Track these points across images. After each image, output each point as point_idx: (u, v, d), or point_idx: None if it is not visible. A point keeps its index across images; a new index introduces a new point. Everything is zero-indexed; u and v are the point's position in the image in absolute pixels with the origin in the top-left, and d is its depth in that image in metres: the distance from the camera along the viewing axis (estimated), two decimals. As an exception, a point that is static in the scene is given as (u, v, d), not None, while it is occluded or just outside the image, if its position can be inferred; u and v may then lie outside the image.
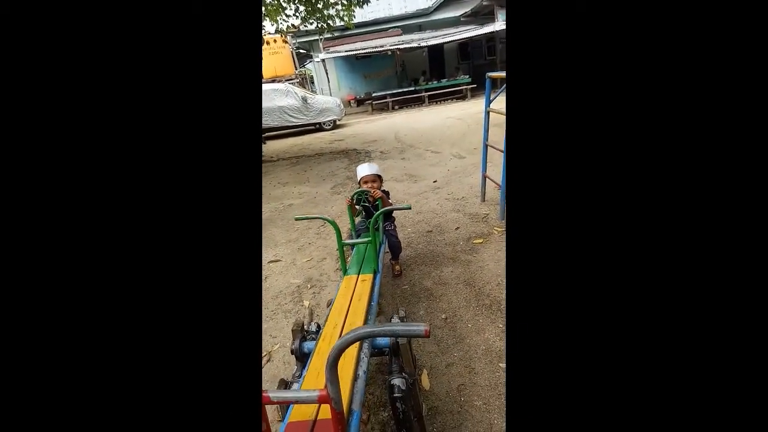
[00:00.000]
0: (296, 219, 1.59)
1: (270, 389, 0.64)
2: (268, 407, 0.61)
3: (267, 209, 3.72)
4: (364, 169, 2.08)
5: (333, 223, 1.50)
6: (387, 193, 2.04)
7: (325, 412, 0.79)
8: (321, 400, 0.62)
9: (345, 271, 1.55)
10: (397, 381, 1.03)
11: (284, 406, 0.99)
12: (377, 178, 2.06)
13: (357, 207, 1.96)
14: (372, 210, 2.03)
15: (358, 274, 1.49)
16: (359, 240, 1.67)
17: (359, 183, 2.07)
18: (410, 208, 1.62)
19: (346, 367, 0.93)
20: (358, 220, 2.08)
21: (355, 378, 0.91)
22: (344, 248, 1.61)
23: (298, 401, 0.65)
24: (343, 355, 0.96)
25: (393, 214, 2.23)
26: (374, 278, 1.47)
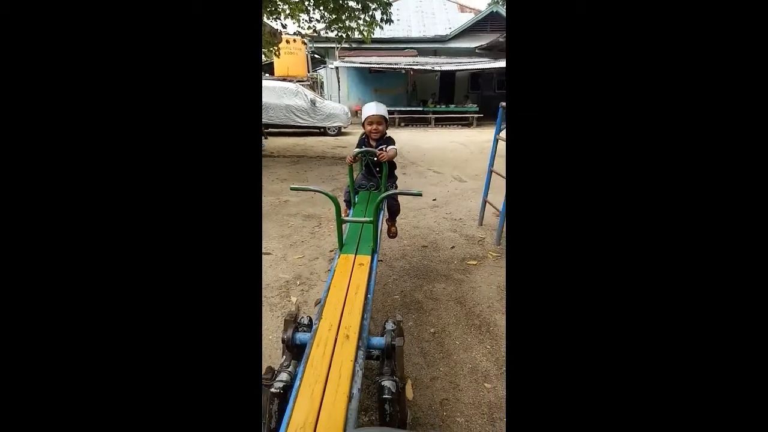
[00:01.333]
0: (292, 188, 1.46)
1: None
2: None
3: (264, 203, 3.68)
4: (370, 108, 1.83)
5: (333, 199, 1.41)
6: (391, 140, 1.84)
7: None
8: None
9: (341, 248, 1.50)
10: (387, 383, 1.01)
11: (274, 405, 0.96)
12: (383, 121, 1.83)
13: (359, 156, 1.78)
14: (373, 167, 1.88)
15: (356, 255, 1.45)
16: (359, 219, 1.60)
17: (363, 124, 1.87)
18: (421, 195, 1.51)
19: (342, 386, 0.89)
20: (358, 176, 1.98)
21: (350, 398, 0.87)
22: (341, 225, 1.53)
23: None
24: (338, 372, 0.93)
25: (396, 173, 2.03)
26: (372, 261, 1.43)
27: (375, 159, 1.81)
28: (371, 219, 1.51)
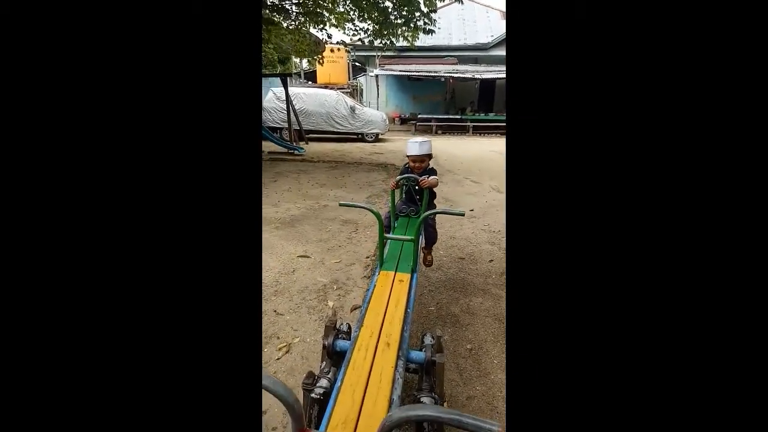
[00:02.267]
0: (340, 205, 1.57)
1: (313, 430, 0.62)
2: (294, 412, 0.59)
3: (303, 206, 3.79)
4: (414, 148, 1.88)
5: (377, 215, 1.48)
6: (434, 172, 1.90)
7: None
8: None
9: (381, 265, 1.52)
10: (426, 399, 1.00)
11: (313, 411, 0.98)
12: (426, 158, 1.90)
13: (402, 182, 1.86)
14: (414, 193, 1.94)
15: (395, 272, 1.46)
16: (401, 237, 1.63)
17: (407, 157, 1.94)
18: (464, 215, 1.54)
19: (383, 390, 0.90)
20: (398, 202, 2.03)
21: (390, 403, 0.87)
22: (383, 242, 1.57)
23: None
24: (378, 377, 0.94)
25: (434, 201, 2.08)
26: (411, 279, 1.44)
27: (416, 186, 1.90)
28: (412, 237, 1.53)
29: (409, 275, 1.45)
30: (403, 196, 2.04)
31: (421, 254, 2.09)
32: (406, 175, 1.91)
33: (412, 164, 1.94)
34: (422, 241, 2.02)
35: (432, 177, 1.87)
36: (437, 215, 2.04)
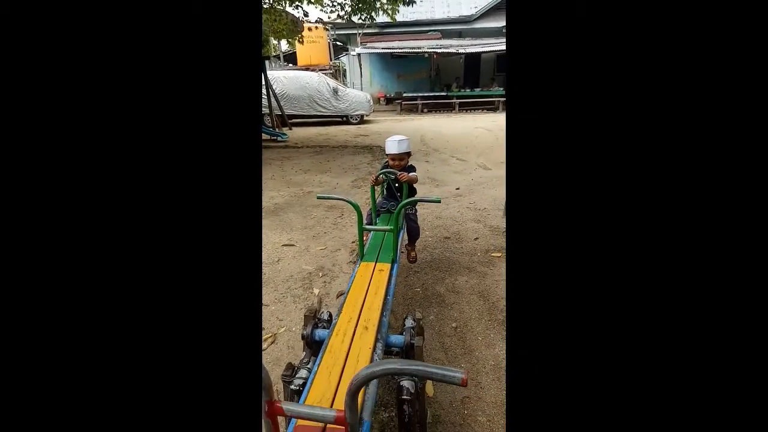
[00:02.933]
0: (318, 197, 1.59)
1: (284, 401, 0.61)
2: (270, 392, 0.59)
3: (287, 194, 3.73)
4: (392, 146, 1.91)
5: (356, 206, 1.48)
6: (413, 168, 1.93)
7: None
8: (338, 422, 0.59)
9: (362, 256, 1.52)
10: (406, 383, 1.00)
11: (294, 397, 0.97)
12: (405, 156, 1.94)
13: (381, 177, 1.90)
14: (395, 190, 1.96)
15: (376, 262, 1.47)
16: (380, 227, 1.65)
17: (386, 155, 1.98)
18: (440, 201, 1.57)
19: (360, 368, 0.90)
20: (379, 199, 2.04)
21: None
22: (363, 233, 1.58)
23: (312, 418, 0.62)
24: (356, 358, 0.94)
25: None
26: (391, 268, 1.44)
27: (396, 182, 1.92)
28: (392, 227, 1.52)
29: (389, 265, 1.45)
30: (383, 192, 2.04)
31: (405, 251, 2.10)
32: (385, 170, 1.92)
33: (391, 162, 1.94)
34: (405, 238, 2.03)
35: (411, 173, 1.89)
36: (420, 208, 2.09)
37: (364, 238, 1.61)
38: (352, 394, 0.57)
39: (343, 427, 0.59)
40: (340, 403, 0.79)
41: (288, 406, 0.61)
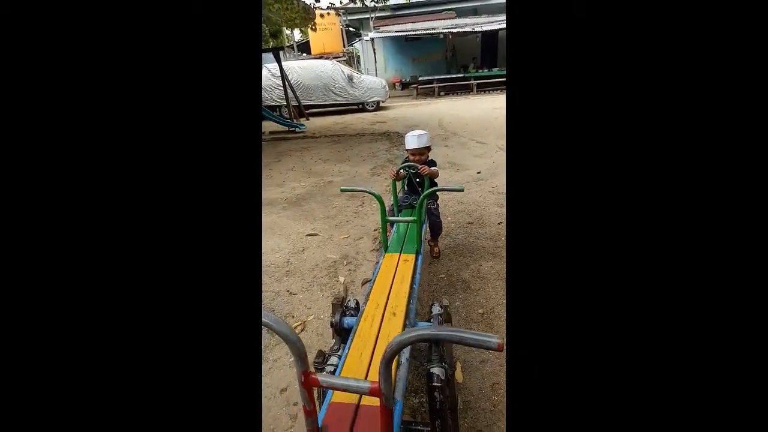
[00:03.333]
0: (342, 190, 1.58)
1: (319, 373, 0.62)
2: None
3: (308, 184, 3.77)
4: (412, 141, 1.90)
5: (379, 198, 1.47)
6: (434, 163, 1.92)
7: (370, 399, 0.77)
8: (372, 393, 0.60)
9: (386, 248, 1.52)
10: (436, 370, 1.00)
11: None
12: (425, 150, 1.93)
13: (402, 172, 1.89)
14: (416, 185, 1.95)
15: (400, 253, 1.46)
16: (404, 219, 1.64)
17: (406, 151, 1.97)
18: (462, 190, 1.54)
19: None
20: (400, 194, 2.03)
21: (398, 365, 0.88)
22: (386, 225, 1.58)
23: (347, 389, 0.63)
24: (385, 341, 0.94)
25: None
26: (416, 259, 1.43)
27: (417, 179, 1.90)
28: (415, 218, 1.50)
29: (413, 255, 1.44)
30: (404, 188, 2.02)
31: (428, 247, 2.09)
32: (406, 163, 1.90)
33: (411, 158, 1.93)
34: (428, 233, 2.02)
35: (433, 168, 1.87)
36: (441, 194, 2.09)
37: (387, 232, 1.61)
38: (387, 363, 0.57)
39: (377, 400, 0.60)
40: (374, 376, 0.80)
41: (323, 378, 0.62)
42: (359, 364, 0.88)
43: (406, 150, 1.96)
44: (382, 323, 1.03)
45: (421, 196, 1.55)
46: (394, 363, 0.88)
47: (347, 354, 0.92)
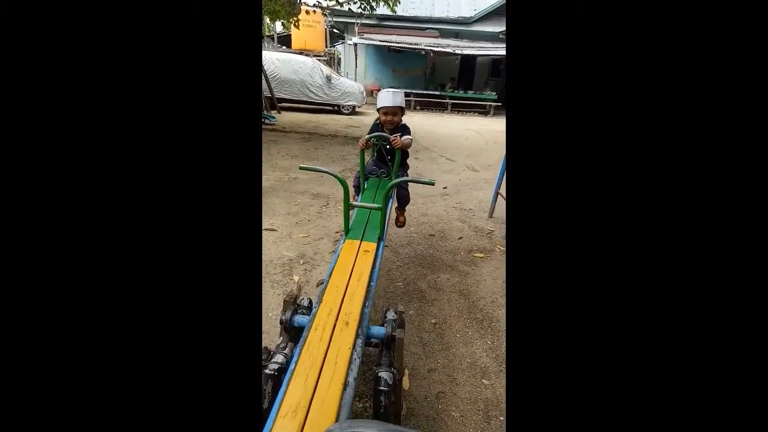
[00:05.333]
0: (301, 168, 1.43)
1: None
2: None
3: (271, 177, 3.64)
4: (386, 98, 1.70)
5: (342, 181, 1.38)
6: (407, 129, 1.76)
7: (311, 425, 0.74)
8: None
9: (347, 233, 1.46)
10: (384, 374, 0.99)
11: (267, 387, 0.94)
12: (399, 110, 1.74)
13: (372, 141, 1.71)
14: (386, 154, 1.81)
15: (361, 241, 1.41)
16: (368, 205, 1.55)
17: (378, 111, 1.78)
18: (434, 184, 1.44)
19: (337, 373, 0.86)
20: (369, 162, 1.93)
21: (345, 386, 0.83)
22: (348, 210, 1.49)
23: None
24: (335, 358, 0.90)
25: (408, 162, 1.96)
26: (377, 248, 1.39)
27: (388, 146, 1.75)
28: (380, 205, 1.46)
29: (375, 244, 1.40)
30: (374, 155, 1.90)
31: (394, 214, 1.99)
32: (377, 133, 1.73)
33: (383, 118, 1.74)
34: (395, 202, 1.93)
35: (405, 137, 1.71)
36: (409, 187, 1.96)
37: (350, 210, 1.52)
38: None
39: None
40: (316, 411, 0.76)
41: None
42: (303, 390, 0.81)
43: (378, 109, 1.77)
44: (333, 334, 0.98)
45: (388, 186, 1.46)
46: (341, 382, 0.84)
47: (293, 371, 0.86)
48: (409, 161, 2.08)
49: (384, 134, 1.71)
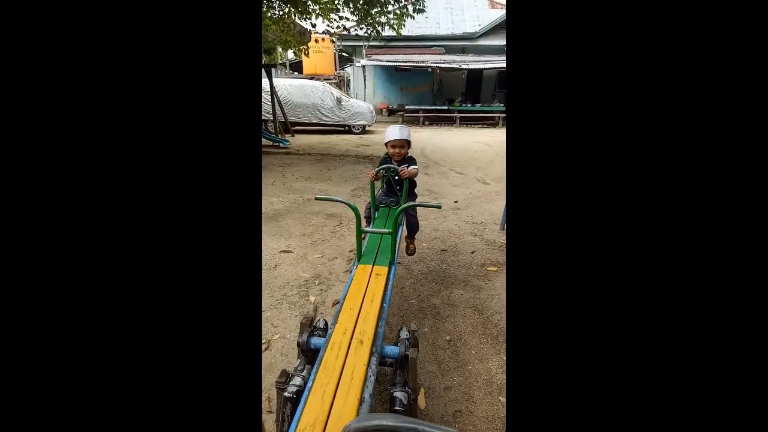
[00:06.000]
0: (317, 198, 1.54)
1: None
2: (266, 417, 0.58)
3: (287, 200, 3.75)
4: (393, 132, 1.87)
5: (354, 209, 1.46)
6: (413, 161, 1.90)
7: None
8: None
9: (359, 258, 1.52)
10: (399, 394, 1.01)
11: (287, 410, 0.97)
12: (406, 144, 1.90)
13: (381, 173, 1.84)
14: (395, 184, 1.94)
15: (373, 265, 1.46)
16: (378, 230, 1.63)
17: (386, 145, 1.93)
18: (440, 207, 1.53)
19: (353, 389, 0.90)
20: (379, 193, 2.03)
21: (361, 401, 0.86)
22: (361, 235, 1.56)
23: None
24: (350, 375, 0.94)
25: (416, 190, 2.08)
26: (389, 272, 1.44)
27: (396, 177, 1.89)
28: (390, 230, 1.52)
29: (386, 268, 1.45)
30: (383, 186, 2.03)
31: (404, 243, 2.09)
32: (385, 165, 1.88)
33: (391, 150, 1.90)
34: (404, 231, 2.03)
35: (412, 167, 1.86)
36: (417, 210, 2.05)
37: (362, 238, 1.60)
38: None
39: None
40: (333, 427, 0.80)
41: None
42: (321, 406, 0.85)
43: (386, 143, 1.92)
44: (348, 354, 1.02)
45: (398, 210, 1.56)
46: (357, 398, 0.87)
47: (311, 388, 0.90)
48: (419, 177, 2.14)
49: (392, 166, 1.86)
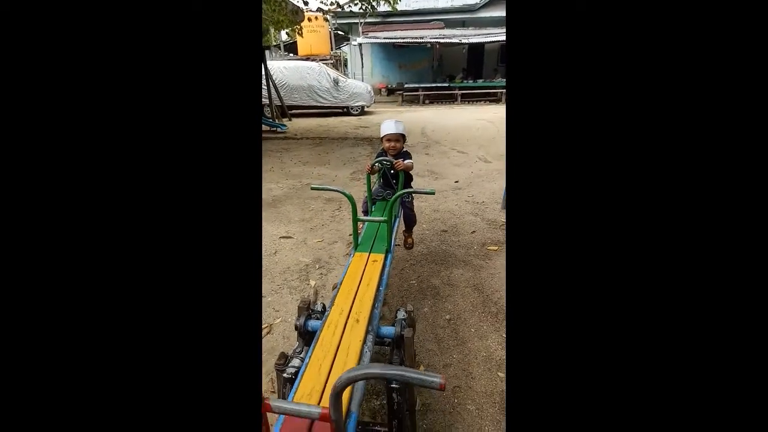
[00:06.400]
0: (312, 188, 1.55)
1: (272, 398, 0.63)
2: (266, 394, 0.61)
3: (285, 186, 3.75)
4: (389, 126, 1.92)
5: (350, 198, 1.49)
6: (408, 155, 1.94)
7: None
8: (323, 419, 0.61)
9: (356, 247, 1.54)
10: (395, 372, 1.03)
11: (287, 390, 1.00)
12: (401, 138, 1.95)
13: (377, 166, 1.88)
14: (390, 178, 1.97)
15: (370, 253, 1.48)
16: (374, 218, 1.65)
17: (381, 140, 1.98)
18: (434, 193, 1.57)
19: (349, 362, 0.92)
20: (375, 187, 2.05)
21: None
22: (357, 224, 1.59)
23: (299, 414, 0.65)
24: (346, 351, 0.96)
25: (412, 185, 2.12)
26: (385, 259, 1.45)
27: (392, 170, 1.91)
28: (386, 218, 1.52)
29: (383, 255, 1.46)
30: (380, 180, 2.04)
31: (402, 237, 2.11)
32: (381, 158, 1.91)
33: (387, 144, 1.93)
34: (401, 224, 2.04)
35: (407, 160, 1.89)
36: (416, 198, 2.07)
37: (359, 228, 1.62)
38: (336, 395, 0.59)
39: (329, 424, 0.62)
40: (328, 396, 0.82)
41: (275, 403, 0.63)
42: (318, 378, 0.88)
43: (382, 137, 1.96)
44: (344, 331, 1.04)
45: (393, 198, 1.57)
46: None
47: (308, 364, 0.93)
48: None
49: (388, 158, 1.87)
